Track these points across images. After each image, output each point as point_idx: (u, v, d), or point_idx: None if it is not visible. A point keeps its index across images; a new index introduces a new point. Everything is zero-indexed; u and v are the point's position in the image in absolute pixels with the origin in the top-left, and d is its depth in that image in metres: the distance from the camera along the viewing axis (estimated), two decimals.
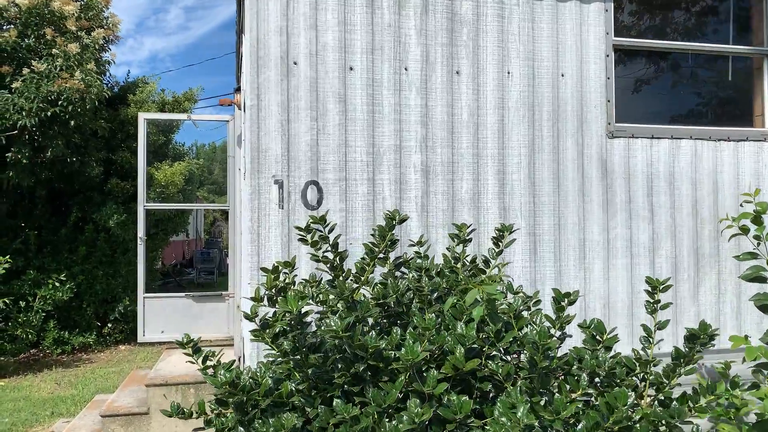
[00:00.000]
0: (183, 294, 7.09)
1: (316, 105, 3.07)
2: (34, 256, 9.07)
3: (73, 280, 8.96)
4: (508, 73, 3.35)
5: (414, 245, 2.46)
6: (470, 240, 2.36)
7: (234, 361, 2.19)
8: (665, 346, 3.49)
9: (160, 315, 6.87)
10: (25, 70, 7.96)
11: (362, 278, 2.12)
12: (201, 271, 17.31)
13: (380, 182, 3.16)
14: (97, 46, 9.03)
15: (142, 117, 6.95)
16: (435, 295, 2.06)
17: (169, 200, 10.52)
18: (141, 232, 6.85)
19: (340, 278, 2.14)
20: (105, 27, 9.39)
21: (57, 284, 8.57)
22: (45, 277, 8.72)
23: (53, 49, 8.20)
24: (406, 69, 3.20)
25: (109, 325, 9.66)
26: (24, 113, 7.74)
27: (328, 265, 2.18)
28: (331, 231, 2.13)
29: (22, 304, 8.28)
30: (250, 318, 1.95)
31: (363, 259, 2.16)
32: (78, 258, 9.32)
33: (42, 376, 7.70)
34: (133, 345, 9.41)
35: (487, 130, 3.31)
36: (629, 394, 1.79)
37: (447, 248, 2.40)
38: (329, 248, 2.15)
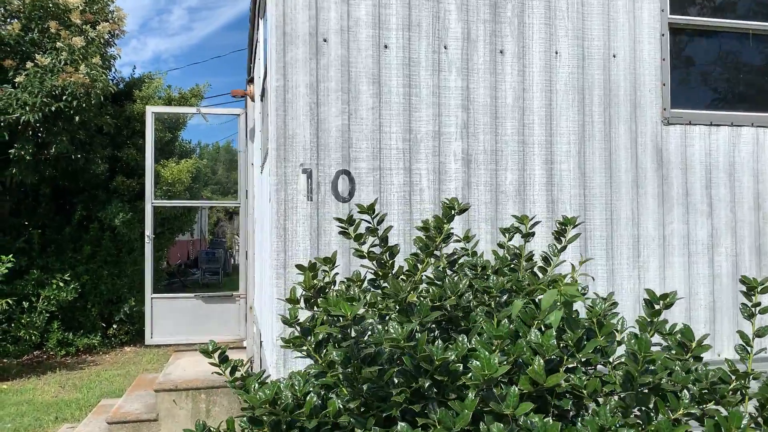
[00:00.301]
0: (192, 294, 6.81)
1: (347, 86, 2.79)
2: (37, 255, 8.81)
3: (78, 280, 8.70)
4: (556, 53, 3.06)
5: (460, 240, 2.18)
6: (533, 234, 2.08)
7: (264, 371, 1.91)
8: (726, 352, 3.20)
9: (168, 316, 6.59)
10: (29, 64, 7.69)
11: (415, 277, 1.84)
12: (206, 271, 17.04)
13: (417, 172, 2.88)
14: (102, 40, 8.78)
15: (150, 110, 6.68)
16: (505, 297, 1.78)
17: (175, 198, 10.25)
18: (148, 230, 6.57)
19: (390, 276, 1.86)
20: (110, 21, 9.13)
21: (61, 284, 8.32)
22: (49, 276, 8.46)
23: (57, 43, 7.93)
24: (445, 47, 2.91)
25: (115, 326, 9.40)
26: (27, 108, 7.47)
27: (374, 262, 1.90)
28: (380, 222, 1.85)
29: (26, 304, 8.02)
30: (289, 323, 1.66)
31: (415, 255, 1.87)
32: (82, 257, 9.06)
33: (46, 378, 7.44)
34: (139, 347, 9.14)
35: (533, 115, 3.02)
36: (744, 414, 1.51)
37: (499, 244, 2.13)
38: (377, 242, 1.87)
